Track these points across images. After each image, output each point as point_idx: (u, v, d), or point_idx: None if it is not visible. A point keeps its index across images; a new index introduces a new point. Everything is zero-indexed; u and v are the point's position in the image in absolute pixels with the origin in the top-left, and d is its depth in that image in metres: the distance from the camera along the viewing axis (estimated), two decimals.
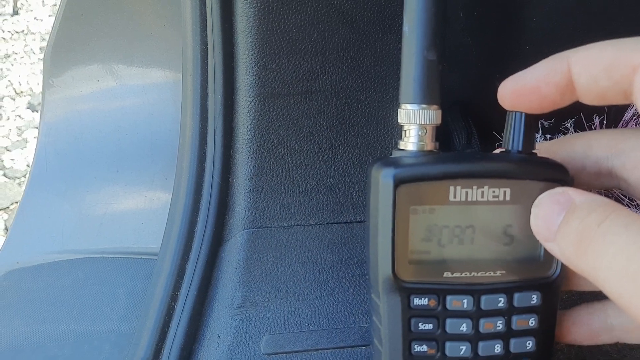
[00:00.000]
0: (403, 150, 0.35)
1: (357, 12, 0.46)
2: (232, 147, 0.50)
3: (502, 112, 0.54)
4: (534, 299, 0.34)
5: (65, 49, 0.68)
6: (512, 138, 0.34)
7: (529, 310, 0.34)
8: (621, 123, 0.50)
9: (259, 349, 0.44)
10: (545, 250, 0.33)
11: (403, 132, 0.35)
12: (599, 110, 0.49)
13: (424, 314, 0.34)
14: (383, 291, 0.34)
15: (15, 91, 2.69)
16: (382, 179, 0.32)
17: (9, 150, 2.33)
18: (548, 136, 0.49)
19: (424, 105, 0.34)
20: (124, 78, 0.68)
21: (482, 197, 0.32)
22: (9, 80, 2.75)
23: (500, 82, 0.54)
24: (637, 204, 0.50)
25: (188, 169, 0.51)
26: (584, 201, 0.28)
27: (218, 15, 0.47)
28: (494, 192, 0.32)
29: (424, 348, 0.34)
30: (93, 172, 0.69)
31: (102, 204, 0.68)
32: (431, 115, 0.34)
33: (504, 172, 0.32)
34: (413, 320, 0.34)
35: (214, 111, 0.50)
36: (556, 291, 0.34)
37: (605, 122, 0.49)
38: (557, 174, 0.32)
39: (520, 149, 0.34)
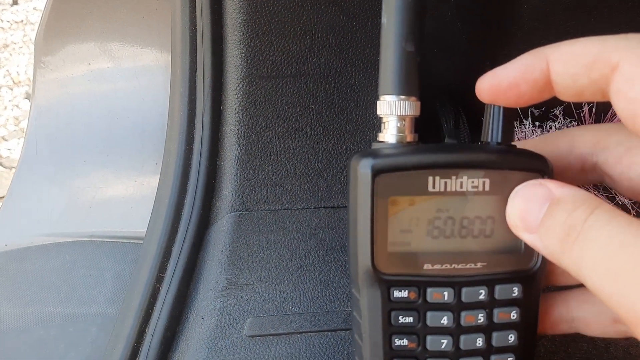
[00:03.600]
0: (382, 142, 0.34)
1: None
2: (220, 129, 0.50)
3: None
4: (515, 291, 0.33)
5: (56, 30, 0.68)
6: (491, 130, 0.34)
7: (510, 302, 0.33)
8: (610, 111, 0.50)
9: (243, 331, 0.44)
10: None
11: (382, 124, 0.35)
12: None
13: (404, 306, 0.33)
14: (363, 284, 0.33)
15: (13, 81, 2.68)
16: (361, 170, 0.32)
17: (5, 140, 2.32)
18: (537, 123, 0.49)
19: (402, 97, 0.34)
20: (115, 61, 0.68)
21: (462, 187, 0.32)
22: (7, 70, 2.74)
23: (490, 69, 0.54)
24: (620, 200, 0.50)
25: (176, 151, 0.51)
26: (566, 194, 0.28)
27: None
28: (473, 182, 0.32)
29: (405, 342, 0.33)
30: (83, 156, 0.69)
31: (91, 188, 0.68)
32: (410, 107, 0.34)
33: (483, 162, 0.32)
34: (393, 314, 0.33)
35: (202, 93, 0.49)
36: (538, 283, 0.34)
37: (594, 109, 0.49)
38: (537, 164, 0.32)
39: (499, 140, 0.33)
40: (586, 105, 0.49)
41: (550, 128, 0.48)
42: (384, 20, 0.34)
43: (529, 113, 0.51)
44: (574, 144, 0.35)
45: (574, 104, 0.49)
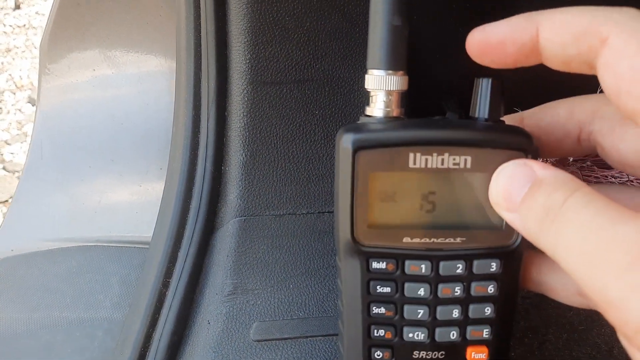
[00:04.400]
0: (369, 116, 0.35)
1: (349, 1, 0.46)
2: (224, 135, 0.51)
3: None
4: (494, 266, 0.34)
5: (61, 37, 0.68)
6: (479, 105, 0.34)
7: (488, 277, 0.34)
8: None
9: (249, 336, 0.45)
10: None
11: (370, 98, 0.35)
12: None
13: (382, 277, 0.34)
14: (344, 255, 0.34)
15: (15, 85, 2.69)
16: (342, 144, 0.32)
17: (8, 144, 2.33)
18: None
19: (390, 71, 0.34)
20: (120, 67, 0.69)
21: (443, 164, 0.32)
22: (10, 74, 2.75)
23: (497, 76, 0.54)
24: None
25: (181, 156, 0.51)
26: (548, 176, 0.28)
27: (211, 3, 0.47)
28: (454, 159, 0.32)
29: (382, 310, 0.35)
30: (88, 161, 0.69)
31: (96, 193, 0.69)
32: (397, 81, 0.34)
33: (465, 140, 0.32)
34: (372, 283, 0.34)
35: (207, 99, 0.50)
36: (517, 259, 0.35)
37: None
38: (521, 143, 0.32)
39: (486, 116, 0.34)
40: None
41: None
42: None
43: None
44: (573, 111, 0.35)
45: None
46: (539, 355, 0.44)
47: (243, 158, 0.50)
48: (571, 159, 0.47)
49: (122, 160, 0.69)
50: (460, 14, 0.49)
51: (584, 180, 0.49)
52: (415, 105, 0.53)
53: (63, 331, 0.59)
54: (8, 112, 2.52)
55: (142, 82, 0.69)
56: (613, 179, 0.49)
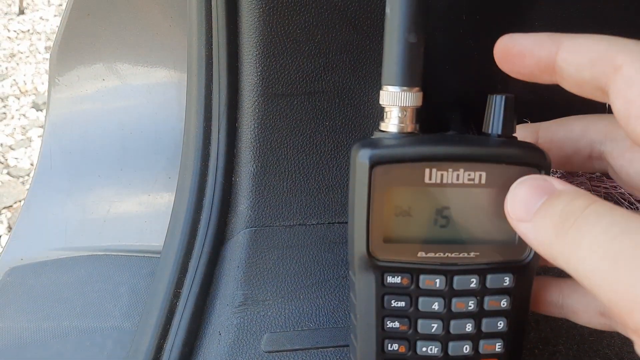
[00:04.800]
0: (384, 131, 0.35)
1: (360, 14, 0.46)
2: (235, 146, 0.51)
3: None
4: (507, 280, 0.34)
5: (71, 48, 0.68)
6: (492, 121, 0.34)
7: (501, 291, 0.35)
8: None
9: (260, 347, 0.45)
10: None
11: (384, 114, 0.36)
12: (598, 111, 0.50)
13: (397, 291, 0.35)
14: (358, 269, 0.35)
15: (20, 90, 2.70)
16: (359, 160, 0.33)
17: (13, 149, 2.34)
18: None
19: (405, 88, 0.35)
20: (129, 77, 0.69)
21: (458, 179, 0.33)
22: (14, 80, 2.76)
23: (501, 85, 0.54)
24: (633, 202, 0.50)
25: (192, 167, 0.51)
26: (567, 189, 0.29)
27: (223, 16, 0.47)
28: (469, 175, 0.32)
29: (397, 324, 0.35)
30: (97, 171, 0.69)
31: (105, 202, 0.69)
32: (412, 98, 0.35)
33: (480, 156, 0.33)
34: (386, 298, 0.35)
35: (218, 111, 0.50)
36: (530, 274, 0.35)
37: None
38: (535, 159, 0.33)
39: (499, 132, 0.34)
40: None
41: None
42: (387, 10, 0.35)
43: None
44: (587, 130, 0.36)
45: None
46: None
47: (253, 169, 0.50)
48: (580, 172, 0.47)
49: (130, 169, 0.70)
50: (470, 26, 0.49)
51: (593, 191, 0.50)
52: (424, 117, 0.53)
53: (73, 341, 0.59)
54: (12, 117, 2.53)
55: (150, 92, 0.69)
56: (622, 189, 0.49)
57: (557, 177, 0.47)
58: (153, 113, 0.69)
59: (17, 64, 2.90)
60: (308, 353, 0.45)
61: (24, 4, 3.32)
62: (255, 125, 0.49)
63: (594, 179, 0.50)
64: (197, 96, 0.51)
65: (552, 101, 0.53)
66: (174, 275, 0.49)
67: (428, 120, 0.53)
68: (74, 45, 0.68)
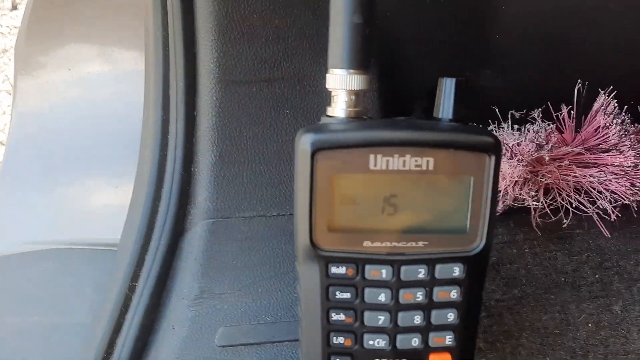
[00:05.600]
0: (331, 116, 0.34)
1: None
2: (194, 136, 0.49)
3: (475, 104, 0.53)
4: (457, 271, 0.33)
5: (36, 37, 0.67)
6: (443, 105, 0.33)
7: (451, 282, 0.33)
8: (590, 114, 0.49)
9: (214, 341, 0.43)
10: (471, 222, 0.32)
11: (331, 98, 0.34)
12: (562, 100, 0.48)
13: (342, 282, 0.33)
14: (302, 259, 0.33)
15: (11, 85, 2.68)
16: (301, 146, 0.31)
17: (3, 145, 2.33)
18: (516, 127, 0.48)
19: (352, 70, 0.33)
20: (97, 66, 0.68)
21: (404, 166, 0.31)
22: (6, 75, 2.74)
23: (471, 72, 0.53)
24: (601, 204, 0.49)
25: (150, 157, 0.50)
26: None
27: (178, 1, 0.46)
28: (416, 161, 0.31)
29: (342, 317, 0.33)
30: (65, 162, 0.68)
31: (73, 195, 0.68)
32: (359, 81, 0.33)
33: (427, 141, 0.31)
34: (331, 289, 0.33)
35: (175, 98, 0.49)
36: (482, 264, 0.34)
37: (573, 112, 0.48)
38: (484, 144, 0.31)
39: (450, 117, 0.33)
40: (565, 107, 0.48)
41: (529, 131, 0.47)
42: None
43: (509, 115, 0.50)
44: None
45: (553, 106, 0.48)
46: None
47: (212, 159, 0.49)
48: (547, 158, 0.46)
49: (99, 161, 0.68)
50: (434, 11, 0.48)
51: (563, 179, 0.48)
52: (392, 106, 0.52)
53: (36, 337, 0.58)
54: (4, 113, 2.51)
55: (120, 81, 0.68)
56: (591, 178, 0.47)
57: (525, 165, 0.46)
58: (122, 104, 0.68)
59: (10, 59, 2.88)
60: (263, 347, 0.43)
61: (17, 0, 3.30)
62: (214, 113, 0.48)
63: (564, 167, 0.48)
64: (155, 84, 0.49)
65: (521, 88, 0.52)
66: (130, 268, 0.48)
67: (395, 108, 0.52)
68: (39, 34, 0.67)
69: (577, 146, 0.48)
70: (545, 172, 0.48)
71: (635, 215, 0.50)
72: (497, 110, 0.49)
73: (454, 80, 0.33)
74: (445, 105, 0.33)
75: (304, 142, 0.31)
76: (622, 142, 0.46)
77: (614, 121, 0.46)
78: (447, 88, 0.33)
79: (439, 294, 0.33)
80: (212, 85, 0.47)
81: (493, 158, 0.31)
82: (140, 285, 0.47)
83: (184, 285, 0.47)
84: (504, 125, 0.49)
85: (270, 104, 0.48)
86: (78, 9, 0.64)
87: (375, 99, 0.50)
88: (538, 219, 0.49)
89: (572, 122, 0.49)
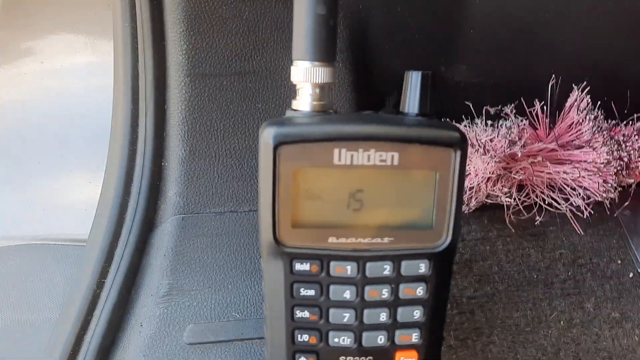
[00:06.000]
0: (296, 110, 0.33)
1: None
2: (164, 129, 0.49)
3: (446, 97, 0.53)
4: (423, 267, 0.32)
5: (7, 28, 0.66)
6: (409, 100, 0.32)
7: (417, 279, 0.33)
8: (564, 110, 0.49)
9: (182, 339, 0.43)
10: (436, 217, 0.32)
11: (296, 91, 0.34)
12: (536, 95, 0.48)
13: (306, 279, 0.32)
14: (267, 256, 0.33)
15: None
16: (264, 139, 0.30)
17: None
18: (489, 122, 0.48)
19: (316, 63, 0.33)
20: (69, 58, 0.66)
21: (369, 160, 0.30)
22: None
23: (446, 68, 0.52)
24: (574, 201, 0.48)
25: (119, 152, 0.49)
26: None
27: None
28: (381, 156, 0.30)
29: (306, 314, 0.33)
30: (37, 156, 0.67)
31: (45, 189, 0.66)
32: (324, 73, 0.33)
33: (391, 136, 0.31)
34: (295, 286, 0.33)
35: (144, 92, 0.48)
36: (448, 261, 0.33)
37: (547, 107, 0.48)
38: (449, 139, 0.31)
39: (416, 111, 0.32)
40: (538, 102, 0.48)
41: (502, 127, 0.47)
42: None
43: (484, 111, 0.49)
44: None
45: (526, 101, 0.48)
46: (482, 358, 0.42)
47: (182, 153, 0.48)
48: (520, 154, 0.46)
49: (72, 155, 0.67)
50: (408, 4, 0.47)
51: (536, 176, 0.48)
52: (366, 99, 0.51)
53: (4, 333, 0.57)
54: None
55: (92, 74, 0.66)
56: (565, 174, 0.47)
57: (497, 161, 0.45)
58: (94, 98, 0.67)
59: None
60: (232, 345, 0.43)
61: None
62: (183, 107, 0.47)
63: (537, 163, 0.48)
64: (124, 77, 0.48)
65: (496, 83, 0.51)
66: (99, 264, 0.47)
67: (369, 101, 0.51)
68: (10, 24, 0.65)
69: (551, 142, 0.48)
70: (519, 169, 0.47)
71: (608, 213, 0.50)
72: (471, 105, 0.49)
73: (419, 73, 0.32)
74: (411, 99, 0.33)
75: (267, 136, 0.31)
76: (595, 138, 0.46)
77: (587, 117, 0.46)
78: (412, 82, 0.32)
79: (405, 290, 0.33)
80: (182, 79, 0.46)
81: (458, 153, 0.31)
82: (109, 281, 0.46)
83: (152, 281, 0.46)
84: (478, 120, 0.48)
85: (241, 98, 0.47)
86: (50, 1, 0.63)
87: (349, 92, 0.49)
88: (512, 216, 0.49)
89: (547, 118, 0.49)
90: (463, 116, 0.49)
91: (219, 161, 0.48)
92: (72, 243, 0.63)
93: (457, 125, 0.49)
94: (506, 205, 0.48)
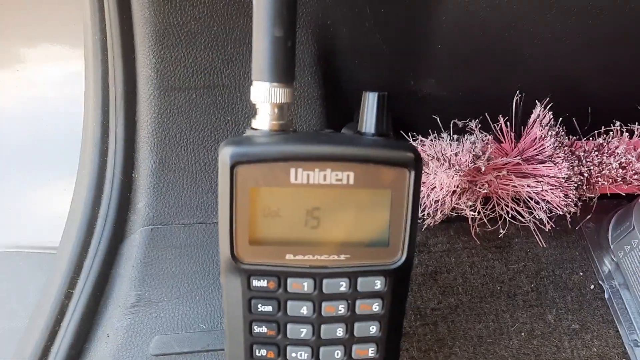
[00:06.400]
0: (255, 129, 0.34)
1: None
2: (134, 141, 0.49)
3: (414, 110, 0.53)
4: (378, 284, 0.33)
5: None
6: (366, 120, 0.33)
7: (373, 295, 0.33)
8: (528, 126, 0.50)
9: (148, 350, 0.43)
10: (391, 235, 0.32)
11: (255, 110, 0.34)
12: (504, 110, 0.49)
13: (264, 295, 0.33)
14: (225, 272, 0.33)
15: None
16: (221, 158, 0.31)
17: None
18: (455, 136, 0.49)
19: (275, 84, 0.33)
20: (44, 69, 0.67)
21: (325, 180, 0.31)
22: None
23: (414, 82, 0.53)
24: (537, 214, 0.49)
25: (90, 163, 0.49)
26: None
27: (115, 4, 0.45)
28: (337, 175, 0.31)
29: (264, 329, 0.34)
30: (11, 164, 0.67)
31: (19, 197, 0.66)
32: (282, 94, 0.33)
33: (346, 156, 0.31)
34: (253, 302, 0.33)
35: (115, 104, 0.48)
36: (403, 277, 0.34)
37: (510, 123, 0.49)
38: (403, 159, 0.31)
39: (373, 131, 0.33)
40: (502, 117, 0.48)
41: (467, 141, 0.48)
42: (254, 3, 0.33)
43: (451, 125, 0.50)
44: None
45: (490, 116, 0.49)
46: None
47: (152, 165, 0.48)
48: (484, 168, 0.47)
49: (47, 164, 0.67)
50: (375, 19, 0.48)
51: (501, 189, 0.49)
52: (336, 114, 0.52)
53: None
54: None
55: (68, 83, 0.67)
56: (529, 188, 0.48)
57: (462, 175, 0.46)
58: (70, 105, 0.67)
59: None
60: (197, 356, 0.43)
61: None
62: (153, 119, 0.48)
63: (502, 177, 0.49)
64: (94, 88, 0.48)
65: (464, 98, 0.52)
66: (68, 274, 0.47)
67: (338, 116, 0.52)
68: None
69: (515, 156, 0.49)
70: (484, 182, 0.48)
71: (570, 226, 0.51)
72: (438, 119, 0.50)
73: (376, 94, 0.33)
74: (367, 119, 0.33)
75: (224, 155, 0.31)
76: (557, 153, 0.46)
77: (549, 133, 0.47)
78: (369, 102, 0.33)
79: (361, 306, 0.34)
80: (151, 92, 0.47)
81: (412, 173, 0.32)
82: (77, 292, 0.46)
83: (121, 292, 0.46)
84: (444, 134, 0.49)
85: (210, 111, 0.48)
86: (25, 8, 0.63)
87: (318, 107, 0.50)
88: (477, 228, 0.50)
89: (512, 133, 0.50)
90: (430, 130, 0.50)
91: (188, 173, 0.49)
92: (46, 251, 0.63)
93: (424, 139, 0.50)
94: (471, 217, 0.49)
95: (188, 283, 0.46)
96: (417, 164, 0.32)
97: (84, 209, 0.49)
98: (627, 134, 0.49)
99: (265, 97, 0.33)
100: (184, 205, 0.49)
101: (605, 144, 0.49)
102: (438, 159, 0.47)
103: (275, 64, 0.33)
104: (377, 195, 0.32)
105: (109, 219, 0.49)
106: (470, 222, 0.49)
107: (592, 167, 0.47)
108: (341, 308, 0.33)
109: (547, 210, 0.48)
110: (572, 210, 0.47)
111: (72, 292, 0.47)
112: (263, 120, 0.34)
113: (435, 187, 0.47)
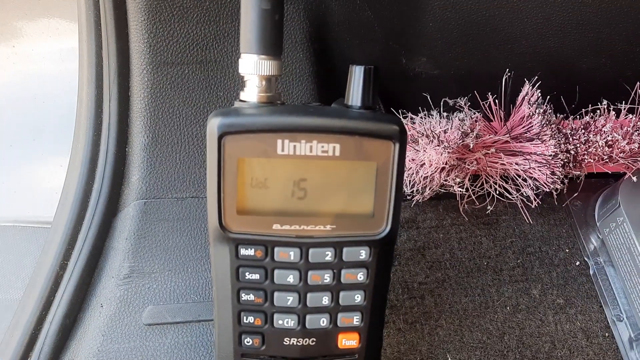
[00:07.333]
0: (243, 101, 0.35)
1: None
2: (128, 116, 0.50)
3: (404, 87, 0.54)
4: (363, 254, 0.34)
5: None
6: (352, 93, 0.34)
7: (357, 264, 0.34)
8: (517, 104, 0.50)
9: (140, 319, 0.44)
10: (376, 207, 0.33)
11: (244, 83, 0.35)
12: (494, 88, 0.49)
13: (251, 264, 0.34)
14: (214, 241, 0.34)
15: None
16: (209, 129, 0.32)
17: None
18: (445, 114, 0.49)
19: (262, 56, 0.34)
20: (40, 44, 0.67)
21: (311, 151, 0.32)
22: None
23: (405, 60, 0.53)
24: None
25: (84, 137, 0.50)
26: None
27: None
28: (322, 147, 0.32)
29: (252, 297, 0.35)
30: (9, 140, 0.67)
31: (16, 172, 0.67)
32: (270, 66, 0.34)
33: (332, 128, 0.32)
34: (241, 270, 0.34)
35: (108, 79, 0.49)
36: (388, 248, 0.35)
37: (500, 101, 0.49)
38: (388, 132, 0.32)
39: (359, 104, 0.33)
40: (490, 95, 0.49)
41: (456, 118, 0.48)
42: None
43: (441, 103, 0.51)
44: None
45: (480, 94, 0.49)
46: (429, 341, 0.44)
47: (145, 140, 0.49)
48: (472, 146, 0.47)
49: (44, 139, 0.68)
50: None
51: (490, 167, 0.49)
52: (328, 90, 0.53)
53: None
54: None
55: (64, 59, 0.67)
56: (517, 165, 0.49)
57: (451, 152, 0.47)
58: (67, 82, 0.67)
59: None
60: (189, 326, 0.44)
61: None
62: (146, 94, 0.48)
63: (491, 155, 0.49)
64: (88, 63, 0.49)
65: (455, 75, 0.53)
66: (62, 246, 0.48)
67: (331, 92, 0.52)
68: None
69: (504, 134, 0.49)
70: (472, 159, 0.49)
71: (557, 204, 0.51)
72: (428, 97, 0.50)
73: (362, 68, 0.33)
74: (354, 92, 0.34)
75: (212, 126, 0.32)
76: (544, 131, 0.47)
77: (537, 111, 0.48)
78: (356, 76, 0.34)
79: (346, 276, 0.34)
80: (144, 67, 0.47)
81: (397, 145, 0.32)
82: (72, 263, 0.47)
83: (114, 264, 0.47)
84: (434, 112, 0.50)
85: (203, 86, 0.48)
86: None
87: (310, 83, 0.50)
88: (466, 205, 0.51)
89: (502, 111, 0.50)
90: (420, 108, 0.50)
91: (181, 148, 0.49)
92: (42, 225, 0.64)
93: (414, 117, 0.50)
94: (460, 194, 0.49)
95: (180, 255, 0.47)
96: (401, 137, 0.32)
97: (78, 182, 0.50)
98: (614, 112, 0.50)
99: (253, 69, 0.34)
100: (177, 179, 0.50)
101: (592, 122, 0.50)
102: (427, 136, 0.48)
103: (263, 36, 0.34)
104: (362, 167, 0.33)
105: (103, 193, 0.49)
106: (458, 199, 0.50)
107: (578, 145, 0.48)
108: (327, 277, 0.34)
109: (534, 188, 0.49)
110: (559, 187, 0.48)
111: (67, 264, 0.48)
112: (251, 92, 0.35)
113: (424, 163, 0.48)
